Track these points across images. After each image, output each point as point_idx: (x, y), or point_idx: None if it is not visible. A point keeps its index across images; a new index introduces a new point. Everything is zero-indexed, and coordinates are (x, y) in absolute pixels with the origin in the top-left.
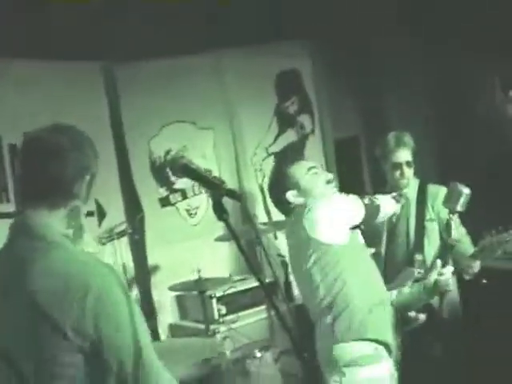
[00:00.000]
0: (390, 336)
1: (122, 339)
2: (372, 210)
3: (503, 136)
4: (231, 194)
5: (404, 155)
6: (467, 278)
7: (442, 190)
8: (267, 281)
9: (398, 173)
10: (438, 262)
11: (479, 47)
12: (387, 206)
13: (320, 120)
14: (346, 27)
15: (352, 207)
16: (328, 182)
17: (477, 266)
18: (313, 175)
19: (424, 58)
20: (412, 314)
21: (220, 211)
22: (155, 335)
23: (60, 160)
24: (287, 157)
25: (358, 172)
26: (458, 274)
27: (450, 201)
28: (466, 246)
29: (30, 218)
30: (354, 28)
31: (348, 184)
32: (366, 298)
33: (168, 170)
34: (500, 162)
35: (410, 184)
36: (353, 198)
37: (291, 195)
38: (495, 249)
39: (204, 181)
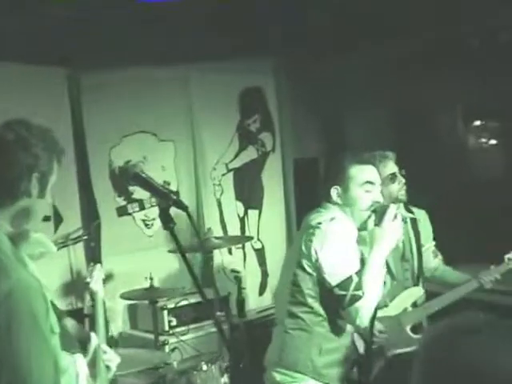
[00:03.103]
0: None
1: None
2: None
3: (465, 167)
4: (178, 204)
5: (393, 166)
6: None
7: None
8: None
9: (395, 184)
10: None
11: (442, 73)
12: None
13: (281, 139)
14: (310, 46)
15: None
16: (371, 206)
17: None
18: (365, 192)
19: (387, 81)
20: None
21: (166, 220)
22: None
23: (4, 157)
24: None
25: (316, 193)
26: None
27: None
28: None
29: None
30: (319, 48)
31: (305, 205)
32: None
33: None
34: (460, 193)
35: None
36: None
37: (335, 193)
38: None
39: (153, 189)
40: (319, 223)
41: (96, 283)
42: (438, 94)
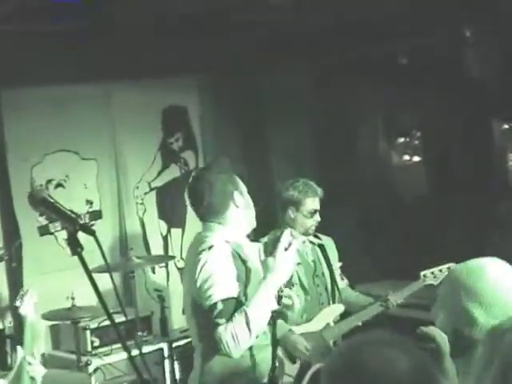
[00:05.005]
0: None
1: None
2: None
3: (386, 182)
4: (85, 229)
5: (317, 203)
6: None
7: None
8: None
9: (312, 219)
10: None
11: (366, 91)
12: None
13: (204, 158)
14: (233, 64)
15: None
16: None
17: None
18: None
19: (311, 98)
20: None
21: (74, 245)
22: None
23: None
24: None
25: None
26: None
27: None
28: None
29: None
30: (242, 66)
31: None
32: None
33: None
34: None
35: None
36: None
37: (237, 196)
38: None
39: (61, 214)
40: (202, 251)
41: (26, 307)
42: (361, 111)
